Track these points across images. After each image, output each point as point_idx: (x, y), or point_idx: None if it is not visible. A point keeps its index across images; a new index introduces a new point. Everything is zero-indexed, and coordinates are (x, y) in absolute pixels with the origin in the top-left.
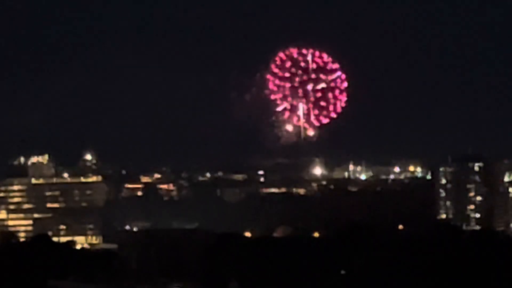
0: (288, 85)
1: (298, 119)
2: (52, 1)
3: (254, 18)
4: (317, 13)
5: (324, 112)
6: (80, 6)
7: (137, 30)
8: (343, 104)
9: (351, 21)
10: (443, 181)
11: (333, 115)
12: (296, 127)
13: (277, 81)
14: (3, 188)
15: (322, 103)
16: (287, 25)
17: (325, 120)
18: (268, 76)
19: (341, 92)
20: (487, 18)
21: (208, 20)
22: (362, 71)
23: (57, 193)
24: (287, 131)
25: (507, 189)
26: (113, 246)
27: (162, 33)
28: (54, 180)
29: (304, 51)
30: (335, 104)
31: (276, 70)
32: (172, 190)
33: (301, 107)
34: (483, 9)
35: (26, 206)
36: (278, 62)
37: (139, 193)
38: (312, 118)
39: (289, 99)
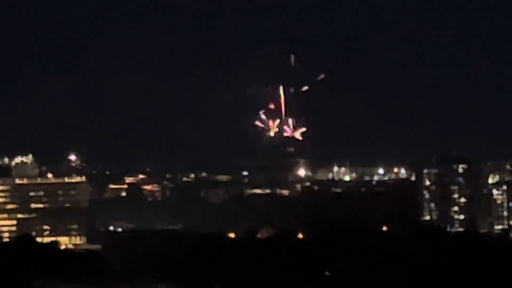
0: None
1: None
2: (37, 3)
3: (237, 19)
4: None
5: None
6: (65, 7)
7: (122, 32)
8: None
9: (337, 24)
10: (427, 182)
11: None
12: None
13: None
14: None
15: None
16: (269, 27)
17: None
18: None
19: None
20: (467, 23)
21: (193, 21)
22: (347, 72)
23: (41, 193)
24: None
25: (491, 191)
26: (97, 246)
27: (147, 35)
28: (38, 180)
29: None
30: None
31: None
32: (156, 191)
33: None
34: (464, 13)
35: (9, 206)
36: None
37: (123, 194)
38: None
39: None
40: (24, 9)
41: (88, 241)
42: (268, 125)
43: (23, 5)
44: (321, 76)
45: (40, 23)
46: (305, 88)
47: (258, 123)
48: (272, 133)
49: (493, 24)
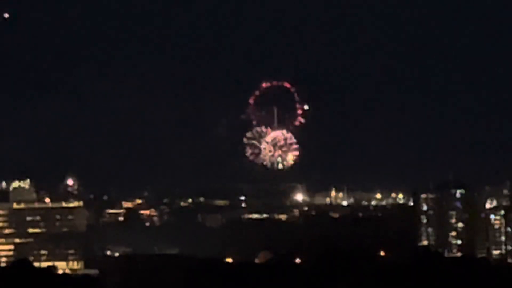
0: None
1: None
2: (32, 24)
3: (235, 51)
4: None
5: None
6: (59, 30)
7: (118, 57)
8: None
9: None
10: (425, 207)
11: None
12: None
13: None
14: None
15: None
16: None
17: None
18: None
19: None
20: (463, 42)
21: (189, 50)
22: (342, 99)
23: (38, 218)
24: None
25: (489, 215)
26: (95, 271)
27: (144, 61)
28: (36, 205)
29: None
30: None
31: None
32: (153, 216)
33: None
34: (461, 33)
35: (7, 231)
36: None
37: (121, 219)
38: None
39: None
40: (22, 33)
41: (86, 266)
42: (262, 148)
43: (19, 28)
44: (306, 107)
45: (39, 45)
46: (304, 108)
47: (252, 145)
48: (266, 156)
49: (492, 53)
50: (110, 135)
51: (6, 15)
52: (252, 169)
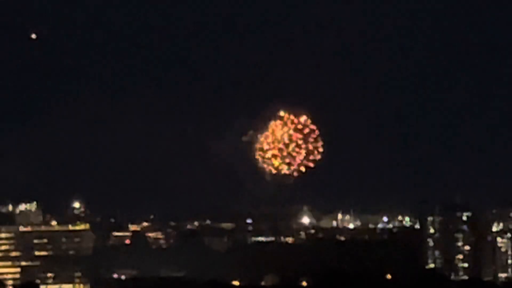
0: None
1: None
2: (34, 47)
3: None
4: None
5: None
6: (61, 50)
7: (123, 78)
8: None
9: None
10: (431, 230)
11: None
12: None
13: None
14: None
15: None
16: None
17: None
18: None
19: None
20: (463, 59)
21: (190, 71)
22: (346, 121)
23: (45, 240)
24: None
25: (495, 238)
26: None
27: (146, 83)
28: (42, 227)
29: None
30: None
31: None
32: (160, 238)
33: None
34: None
35: (13, 254)
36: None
37: (127, 241)
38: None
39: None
40: (25, 54)
41: None
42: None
43: (24, 50)
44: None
45: (41, 66)
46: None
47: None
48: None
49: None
50: (117, 158)
51: (34, 36)
52: (258, 190)
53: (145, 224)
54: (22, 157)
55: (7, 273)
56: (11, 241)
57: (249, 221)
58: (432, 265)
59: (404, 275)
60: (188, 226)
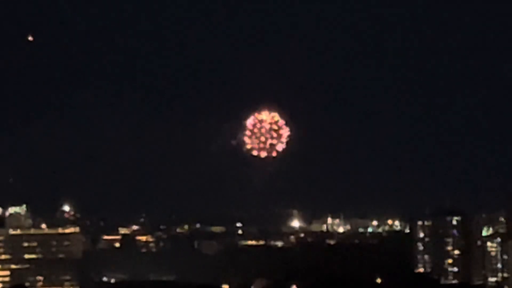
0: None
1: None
2: (27, 47)
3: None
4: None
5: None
6: (53, 52)
7: (113, 82)
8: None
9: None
10: (421, 234)
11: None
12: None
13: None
14: None
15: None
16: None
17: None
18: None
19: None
20: (454, 62)
21: (186, 73)
22: (336, 125)
23: (34, 244)
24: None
25: (485, 243)
26: None
27: (139, 85)
28: (32, 231)
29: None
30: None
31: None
32: (150, 242)
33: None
34: (452, 54)
35: (3, 257)
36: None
37: (117, 245)
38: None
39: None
40: (16, 56)
41: None
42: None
43: (16, 52)
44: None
45: (32, 68)
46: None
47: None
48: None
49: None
50: (107, 162)
51: (31, 38)
52: (247, 192)
53: (135, 227)
54: (12, 161)
55: None
56: (1, 244)
57: (239, 224)
58: (421, 269)
59: (394, 279)
60: (178, 230)
